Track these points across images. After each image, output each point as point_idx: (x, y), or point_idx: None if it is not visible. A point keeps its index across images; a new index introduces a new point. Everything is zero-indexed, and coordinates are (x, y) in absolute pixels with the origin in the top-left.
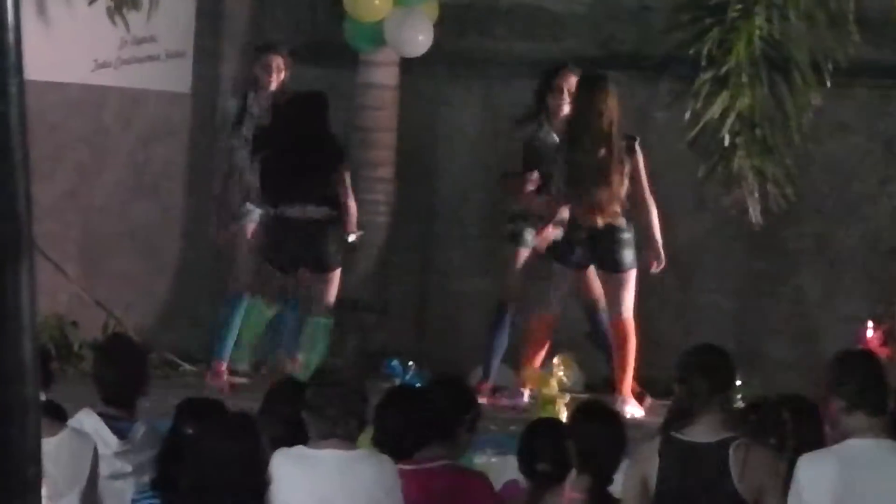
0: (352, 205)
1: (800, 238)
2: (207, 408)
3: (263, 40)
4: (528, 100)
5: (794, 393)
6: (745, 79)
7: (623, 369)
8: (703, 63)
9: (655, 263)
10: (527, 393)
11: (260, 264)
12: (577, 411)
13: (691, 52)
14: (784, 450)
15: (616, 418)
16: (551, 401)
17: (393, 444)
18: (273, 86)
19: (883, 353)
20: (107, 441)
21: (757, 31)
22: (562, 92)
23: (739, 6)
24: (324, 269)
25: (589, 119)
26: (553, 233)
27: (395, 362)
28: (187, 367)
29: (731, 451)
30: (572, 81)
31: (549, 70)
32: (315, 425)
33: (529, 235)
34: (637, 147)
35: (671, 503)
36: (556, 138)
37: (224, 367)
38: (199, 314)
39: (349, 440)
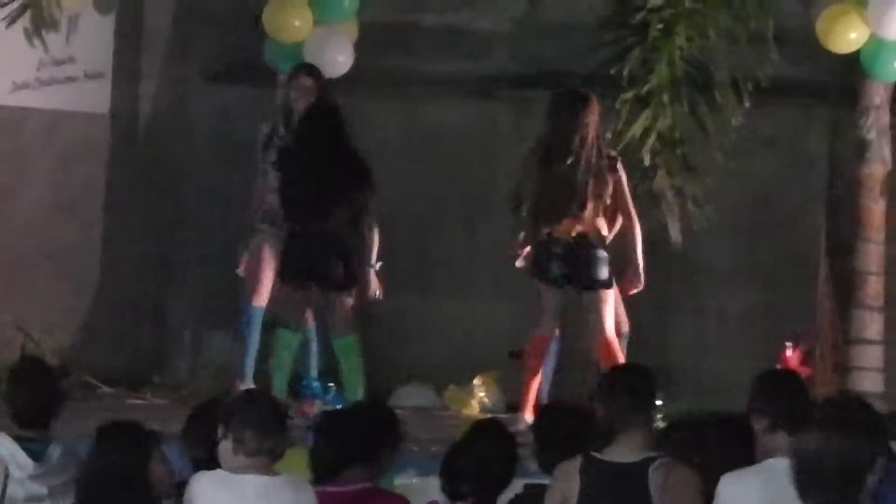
0: (375, 236)
1: (721, 255)
2: (127, 430)
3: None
4: (452, 119)
5: (722, 411)
6: (665, 98)
7: None
8: (625, 83)
9: (634, 284)
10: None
11: (281, 288)
12: (471, 429)
13: (612, 71)
14: (710, 468)
15: (510, 439)
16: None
17: (321, 467)
18: (302, 107)
19: (803, 372)
20: (21, 464)
21: (678, 51)
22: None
23: (661, 25)
24: (338, 288)
25: (565, 141)
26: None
27: (315, 383)
28: (106, 389)
29: (651, 471)
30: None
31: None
32: (235, 447)
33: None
34: (619, 166)
35: None
36: None
37: (242, 386)
38: (120, 335)
39: (270, 462)
